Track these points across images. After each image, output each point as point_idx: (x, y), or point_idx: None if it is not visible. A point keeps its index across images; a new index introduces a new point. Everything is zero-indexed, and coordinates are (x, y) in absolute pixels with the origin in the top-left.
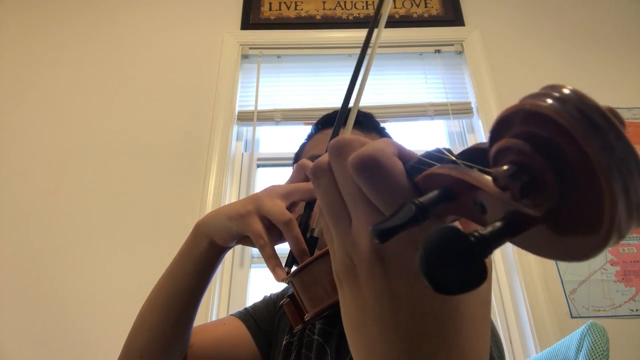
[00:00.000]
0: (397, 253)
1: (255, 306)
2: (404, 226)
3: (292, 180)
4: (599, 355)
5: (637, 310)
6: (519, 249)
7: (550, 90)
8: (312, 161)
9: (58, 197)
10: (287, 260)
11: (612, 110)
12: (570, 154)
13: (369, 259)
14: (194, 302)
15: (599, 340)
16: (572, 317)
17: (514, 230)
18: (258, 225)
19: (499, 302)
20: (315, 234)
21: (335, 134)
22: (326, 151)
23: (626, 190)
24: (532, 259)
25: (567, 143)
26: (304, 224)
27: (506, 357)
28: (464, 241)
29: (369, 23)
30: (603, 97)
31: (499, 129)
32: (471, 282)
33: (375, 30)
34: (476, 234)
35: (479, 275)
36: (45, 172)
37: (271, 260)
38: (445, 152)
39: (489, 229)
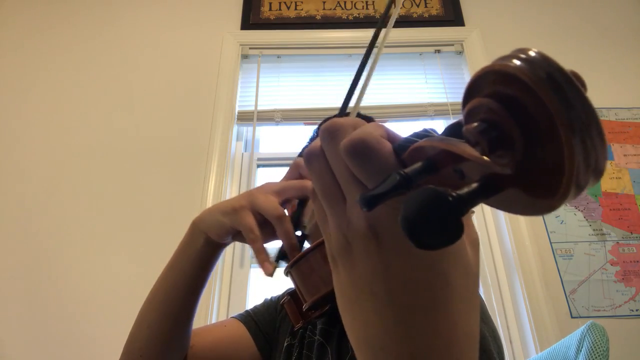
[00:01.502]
0: (389, 229)
1: (256, 308)
2: (388, 193)
3: (287, 178)
4: (599, 356)
5: (637, 310)
6: (519, 250)
7: (518, 52)
8: None
9: (58, 197)
10: (276, 255)
11: (575, 74)
12: (534, 111)
13: (364, 235)
14: (193, 300)
15: (598, 340)
16: (572, 317)
17: (488, 190)
18: (250, 220)
19: (499, 302)
20: (306, 231)
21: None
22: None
23: (584, 143)
24: (532, 258)
25: (531, 100)
26: (296, 220)
27: (505, 356)
28: (442, 199)
29: (375, 23)
30: (603, 97)
31: (471, 90)
32: (449, 238)
33: (383, 31)
34: (454, 194)
35: (455, 231)
36: (45, 172)
37: (260, 254)
38: (430, 130)
39: (466, 189)
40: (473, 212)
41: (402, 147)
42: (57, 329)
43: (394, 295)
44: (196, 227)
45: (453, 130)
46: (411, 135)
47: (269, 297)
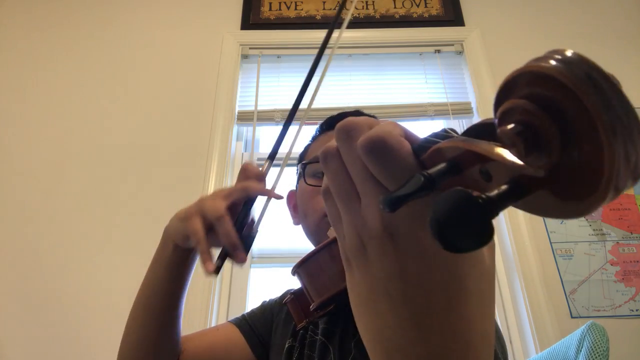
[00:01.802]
0: (406, 230)
1: (252, 312)
2: (412, 195)
3: (237, 181)
4: (599, 356)
5: (637, 310)
6: (519, 250)
7: (553, 53)
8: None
9: (58, 197)
10: (219, 254)
11: (612, 75)
12: (573, 112)
13: (379, 236)
14: (173, 304)
15: (598, 340)
16: (572, 317)
17: (519, 192)
18: (195, 224)
19: (499, 302)
20: (254, 233)
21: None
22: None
23: (625, 145)
24: (532, 258)
25: (570, 101)
26: (241, 220)
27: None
28: (472, 202)
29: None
30: None
31: (505, 92)
32: (479, 241)
33: (336, 31)
34: (484, 196)
35: (486, 234)
36: (44, 172)
37: (202, 254)
38: (450, 131)
39: (496, 191)
40: None
41: (423, 148)
42: (56, 329)
43: (410, 296)
44: (165, 234)
45: (476, 131)
46: (431, 136)
47: (266, 300)
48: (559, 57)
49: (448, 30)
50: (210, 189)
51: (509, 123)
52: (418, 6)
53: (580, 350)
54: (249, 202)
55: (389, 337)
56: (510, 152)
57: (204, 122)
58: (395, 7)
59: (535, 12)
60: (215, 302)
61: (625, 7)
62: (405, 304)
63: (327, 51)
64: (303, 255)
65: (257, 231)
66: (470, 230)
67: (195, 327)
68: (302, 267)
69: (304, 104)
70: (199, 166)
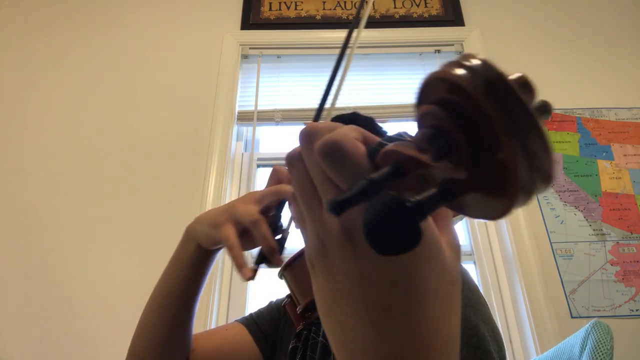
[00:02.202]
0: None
1: (259, 311)
2: (354, 198)
3: (267, 185)
4: (602, 354)
5: (637, 310)
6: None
7: (462, 59)
8: None
9: (59, 197)
10: (256, 259)
11: (520, 80)
12: (476, 118)
13: (339, 240)
14: (189, 304)
15: (602, 339)
16: (572, 317)
17: (446, 195)
18: (228, 230)
19: (499, 302)
20: (286, 235)
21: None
22: None
23: (525, 149)
24: (532, 258)
25: (473, 107)
26: (274, 223)
27: (506, 356)
28: (401, 206)
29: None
30: (603, 97)
31: (421, 96)
32: (407, 243)
33: (355, 31)
34: (413, 199)
35: (413, 236)
36: (46, 172)
37: (237, 259)
38: (404, 134)
39: (425, 194)
40: (461, 217)
41: (375, 151)
42: (57, 329)
43: (371, 299)
44: (188, 235)
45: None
46: (385, 139)
47: (273, 300)
48: (467, 63)
49: (448, 30)
50: (210, 188)
51: (424, 128)
52: (418, 6)
53: (585, 349)
54: (281, 205)
55: (352, 339)
56: (421, 155)
57: (204, 122)
58: (395, 7)
59: (535, 12)
60: (215, 302)
61: (625, 7)
62: (366, 307)
63: (345, 50)
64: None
65: (288, 233)
66: (399, 233)
67: (195, 328)
68: (287, 271)
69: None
70: (199, 166)
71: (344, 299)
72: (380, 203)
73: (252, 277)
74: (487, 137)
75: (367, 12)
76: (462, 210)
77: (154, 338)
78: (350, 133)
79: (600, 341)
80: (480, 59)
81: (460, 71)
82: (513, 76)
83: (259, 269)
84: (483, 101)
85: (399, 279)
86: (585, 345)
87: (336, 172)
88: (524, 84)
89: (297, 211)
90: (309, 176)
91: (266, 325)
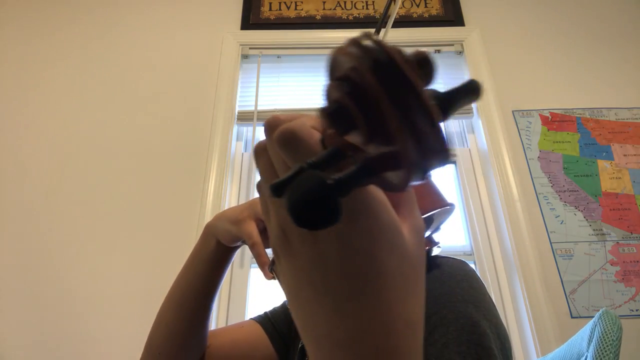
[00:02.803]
0: None
1: (274, 310)
2: (290, 179)
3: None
4: (609, 345)
5: (637, 310)
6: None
7: (360, 38)
8: None
9: (58, 197)
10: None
11: (417, 56)
12: (367, 95)
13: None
14: (207, 300)
15: (609, 329)
16: (572, 317)
17: (365, 173)
18: (250, 227)
19: (499, 302)
20: None
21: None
22: None
23: (411, 126)
24: (532, 259)
25: (363, 85)
26: None
27: (511, 354)
28: (321, 183)
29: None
30: (603, 97)
31: (330, 72)
32: (327, 219)
33: (382, 30)
34: (334, 177)
35: (333, 212)
36: (45, 172)
37: (260, 258)
38: None
39: (345, 172)
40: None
41: (326, 137)
42: (57, 329)
43: (330, 283)
44: (208, 232)
45: None
46: None
47: None
48: (362, 42)
49: (448, 30)
50: (210, 189)
51: (329, 104)
52: (418, 6)
53: (592, 341)
54: None
55: (314, 324)
56: (332, 132)
57: (204, 122)
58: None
59: (535, 12)
60: (215, 303)
61: (625, 7)
62: (326, 292)
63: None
64: None
65: None
66: (318, 209)
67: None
68: (275, 266)
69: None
70: (199, 166)
71: (305, 285)
72: (302, 181)
73: (275, 277)
74: (377, 115)
75: (395, 10)
76: (390, 187)
77: (170, 334)
78: (308, 122)
79: (606, 331)
80: (374, 39)
81: (353, 49)
82: (409, 53)
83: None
84: (369, 79)
85: (357, 263)
86: (593, 337)
87: (291, 159)
88: (421, 62)
89: (263, 202)
90: (272, 166)
91: (280, 323)
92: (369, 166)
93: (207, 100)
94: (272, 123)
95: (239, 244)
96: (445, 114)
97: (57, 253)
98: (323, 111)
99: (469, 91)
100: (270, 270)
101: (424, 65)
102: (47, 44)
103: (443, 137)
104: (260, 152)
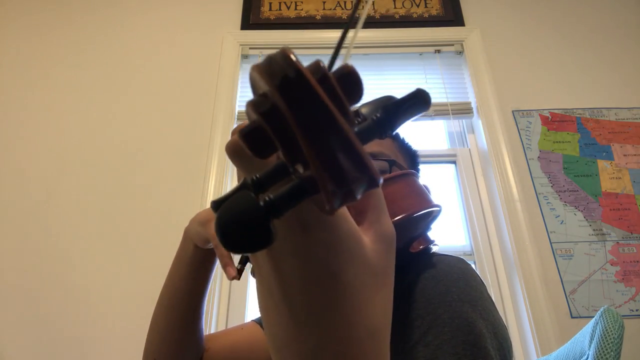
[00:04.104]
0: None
1: None
2: (228, 197)
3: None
4: (610, 342)
5: (637, 310)
6: (519, 250)
7: (274, 56)
8: None
9: (58, 197)
10: (241, 257)
11: (342, 71)
12: (280, 116)
13: None
14: (196, 303)
15: (611, 327)
16: (572, 317)
17: (297, 194)
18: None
19: (499, 302)
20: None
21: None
22: None
23: (325, 150)
24: (532, 258)
25: (275, 106)
26: None
27: (510, 353)
28: (251, 205)
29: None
30: (603, 97)
31: (252, 89)
32: (255, 243)
33: (352, 31)
34: (267, 198)
35: (263, 236)
36: (45, 172)
37: (222, 258)
38: None
39: (277, 193)
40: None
41: None
42: (57, 329)
43: (288, 294)
44: (185, 235)
45: None
46: None
47: None
48: (274, 59)
49: (448, 30)
50: (210, 189)
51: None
52: (418, 6)
53: (593, 339)
54: None
55: (275, 333)
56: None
57: (204, 122)
58: (395, 7)
59: (535, 12)
60: (215, 304)
61: (625, 7)
62: (284, 302)
63: (342, 51)
64: None
65: None
66: (247, 233)
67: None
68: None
69: None
70: (199, 166)
71: (267, 295)
72: (233, 202)
73: (238, 277)
74: (290, 138)
75: (365, 11)
76: (322, 208)
77: (163, 338)
78: None
79: (608, 329)
80: (285, 55)
81: (267, 67)
82: (337, 69)
83: (245, 269)
84: (279, 100)
85: (314, 274)
86: (594, 335)
87: (240, 169)
88: (344, 77)
89: None
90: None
91: None
92: (300, 188)
93: (207, 100)
94: (236, 130)
95: (210, 246)
96: (393, 124)
97: (57, 253)
98: (240, 132)
99: (418, 100)
100: (253, 274)
101: (347, 80)
102: (47, 44)
103: (361, 162)
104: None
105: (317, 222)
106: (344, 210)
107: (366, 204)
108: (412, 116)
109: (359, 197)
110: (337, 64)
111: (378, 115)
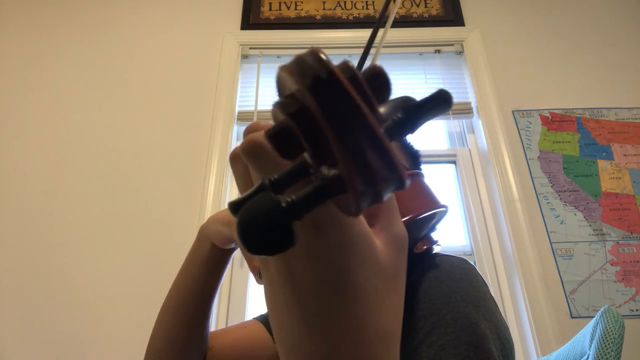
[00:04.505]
0: None
1: None
2: (249, 198)
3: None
4: (610, 342)
5: (637, 310)
6: (519, 250)
7: (305, 55)
8: None
9: (58, 197)
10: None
11: (372, 71)
12: (310, 117)
13: None
14: (205, 303)
15: (611, 326)
16: (572, 317)
17: (321, 194)
18: None
19: (499, 302)
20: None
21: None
22: None
23: (355, 150)
24: (532, 258)
25: (304, 105)
26: None
27: (512, 354)
28: (274, 207)
29: (374, 23)
30: (603, 97)
31: (278, 89)
32: (278, 245)
33: (381, 30)
34: (288, 199)
35: (285, 238)
36: (45, 172)
37: (250, 261)
38: None
39: (299, 194)
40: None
41: None
42: (57, 329)
43: (299, 296)
44: (202, 234)
45: None
46: None
47: None
48: (304, 59)
49: (448, 30)
50: (210, 189)
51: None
52: (418, 6)
53: (594, 338)
54: None
55: (285, 336)
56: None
57: (204, 122)
58: None
59: (536, 12)
60: (215, 304)
61: (625, 7)
62: (296, 304)
63: (371, 51)
64: None
65: None
66: (269, 235)
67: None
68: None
69: None
70: (199, 166)
71: (278, 296)
72: (254, 203)
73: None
74: (321, 138)
75: (394, 10)
76: (345, 210)
77: (169, 337)
78: None
79: (608, 329)
80: (316, 55)
81: (297, 67)
82: (363, 69)
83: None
84: (309, 100)
85: (326, 277)
86: (595, 335)
87: (256, 170)
88: (374, 77)
89: None
90: (248, 174)
91: None
92: (324, 189)
93: (207, 100)
94: (249, 129)
95: (233, 245)
96: (413, 126)
97: (57, 253)
98: (267, 133)
99: (440, 102)
100: (259, 275)
101: (376, 81)
102: (46, 44)
103: (391, 162)
104: (235, 158)
105: (330, 223)
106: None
107: (378, 207)
108: (432, 117)
109: (385, 198)
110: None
111: (399, 115)
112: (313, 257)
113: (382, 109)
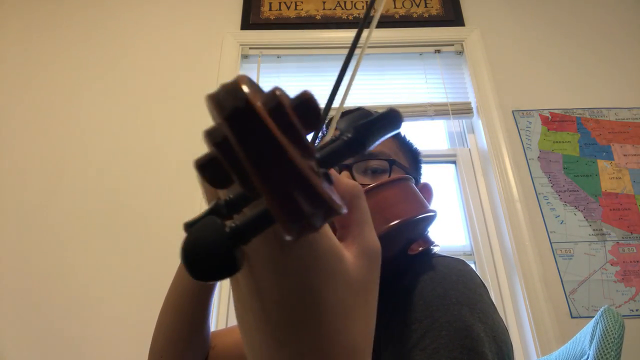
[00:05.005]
0: (254, 249)
1: None
2: (201, 219)
3: None
4: (610, 342)
5: (637, 310)
6: (519, 250)
7: (230, 84)
8: None
9: (58, 197)
10: None
11: (300, 99)
12: (233, 149)
13: None
14: (203, 302)
15: (611, 326)
16: (572, 317)
17: (261, 221)
18: None
19: (499, 302)
20: None
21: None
22: None
23: (276, 182)
24: (532, 259)
25: (226, 136)
26: None
27: (510, 357)
28: (217, 231)
29: (358, 24)
30: (603, 97)
31: (212, 116)
32: (220, 271)
33: (366, 31)
34: (233, 224)
35: (228, 264)
36: (45, 172)
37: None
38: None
39: (243, 219)
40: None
41: None
42: (57, 329)
43: (267, 312)
44: None
45: None
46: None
47: None
48: (227, 86)
49: (448, 30)
50: None
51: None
52: (418, 6)
53: (594, 338)
54: None
55: (256, 350)
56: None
57: (203, 122)
58: (395, 7)
59: (535, 12)
60: (215, 304)
61: (625, 7)
62: (264, 319)
63: (356, 50)
64: None
65: None
66: (211, 260)
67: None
68: None
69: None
70: None
71: (247, 312)
72: (199, 229)
73: None
74: (243, 170)
75: (379, 10)
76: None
77: (170, 337)
78: None
79: (608, 328)
80: (236, 84)
81: (217, 95)
82: (294, 97)
83: None
84: (228, 132)
85: (292, 292)
86: (595, 335)
87: (207, 196)
88: (302, 105)
89: None
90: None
91: None
92: (267, 215)
93: None
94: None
95: None
96: (363, 145)
97: (57, 253)
98: (195, 163)
99: (389, 122)
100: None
101: (304, 109)
102: (45, 44)
103: (316, 195)
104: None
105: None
106: (324, 227)
107: (350, 218)
108: (384, 136)
109: (319, 226)
110: (340, 64)
111: (349, 135)
112: (280, 273)
113: (341, 124)
